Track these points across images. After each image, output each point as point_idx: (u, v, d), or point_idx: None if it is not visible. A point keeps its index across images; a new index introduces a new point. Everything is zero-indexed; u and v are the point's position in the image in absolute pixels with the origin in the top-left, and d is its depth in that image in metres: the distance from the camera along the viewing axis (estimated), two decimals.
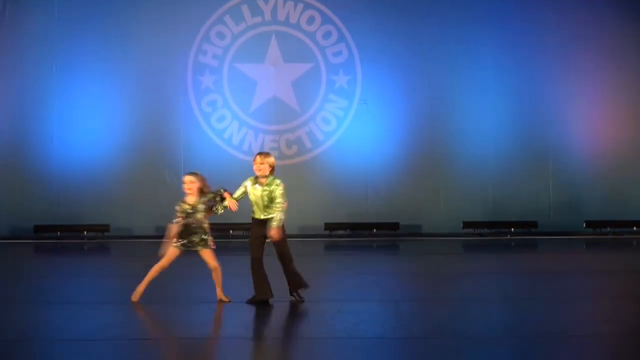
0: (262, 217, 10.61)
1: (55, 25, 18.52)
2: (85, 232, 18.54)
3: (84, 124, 18.56)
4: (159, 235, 18.00)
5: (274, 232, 10.52)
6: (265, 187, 10.58)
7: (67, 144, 18.54)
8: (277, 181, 10.64)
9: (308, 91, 18.75)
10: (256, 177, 10.64)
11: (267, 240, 10.74)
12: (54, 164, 18.50)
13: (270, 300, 10.82)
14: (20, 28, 18.55)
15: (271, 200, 10.56)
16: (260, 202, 10.59)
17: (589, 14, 18.95)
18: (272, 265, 10.90)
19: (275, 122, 18.75)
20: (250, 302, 10.66)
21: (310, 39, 18.75)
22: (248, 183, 10.70)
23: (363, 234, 18.79)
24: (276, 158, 18.25)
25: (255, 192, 10.61)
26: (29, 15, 18.56)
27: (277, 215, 10.53)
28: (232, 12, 18.69)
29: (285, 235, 10.75)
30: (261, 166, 10.60)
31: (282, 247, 10.70)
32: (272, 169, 10.68)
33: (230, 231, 18.70)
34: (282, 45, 18.69)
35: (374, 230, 18.79)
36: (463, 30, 18.75)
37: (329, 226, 18.70)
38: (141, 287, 10.77)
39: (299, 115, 18.73)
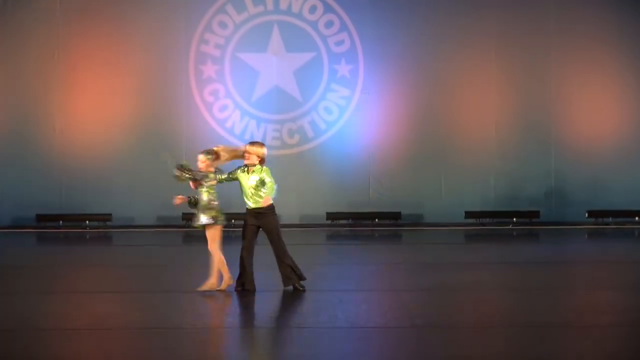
0: (252, 206, 10.75)
1: (58, 14, 18.51)
2: (87, 222, 18.62)
3: (87, 113, 18.58)
4: (161, 225, 18.39)
5: (265, 201, 10.70)
6: (254, 174, 10.71)
7: (69, 133, 18.57)
8: (264, 167, 10.79)
9: (310, 80, 18.74)
10: (246, 166, 10.79)
11: (259, 230, 10.86)
12: (56, 153, 18.54)
13: (272, 290, 10.87)
14: (23, 17, 18.53)
15: (261, 185, 10.69)
16: (247, 190, 10.76)
17: (594, 9, 18.93)
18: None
19: (278, 112, 18.76)
20: (236, 289, 10.80)
21: (312, 28, 18.74)
22: (239, 170, 10.86)
23: (365, 224, 18.83)
24: (278, 147, 18.77)
25: (243, 179, 10.80)
26: (31, 3, 18.55)
27: (268, 189, 10.70)
28: (234, 1, 18.69)
29: (278, 227, 10.85)
30: (250, 156, 10.77)
31: (274, 237, 10.79)
32: (261, 160, 10.81)
33: (232, 221, 18.68)
34: (284, 34, 18.68)
35: (376, 219, 18.82)
36: (465, 19, 18.73)
37: (331, 215, 18.73)
38: (225, 274, 10.77)
39: (301, 104, 18.76)
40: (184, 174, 10.89)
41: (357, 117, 18.76)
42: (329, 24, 18.72)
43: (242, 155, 10.88)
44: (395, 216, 18.77)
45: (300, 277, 10.83)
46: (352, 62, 18.74)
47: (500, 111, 18.89)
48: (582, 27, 18.90)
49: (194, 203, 10.88)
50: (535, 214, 18.81)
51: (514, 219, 18.84)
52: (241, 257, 10.80)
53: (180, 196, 10.95)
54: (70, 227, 18.48)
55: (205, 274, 12.07)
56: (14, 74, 18.58)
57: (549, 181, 18.93)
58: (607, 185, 18.84)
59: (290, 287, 10.81)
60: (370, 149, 18.74)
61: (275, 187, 10.78)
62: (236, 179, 10.85)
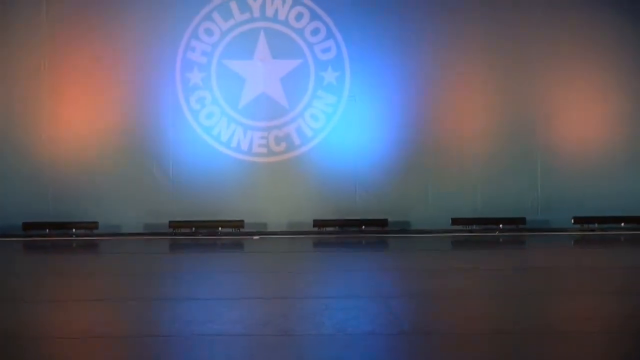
0: None
1: (44, 23, 18.47)
2: (74, 230, 18.53)
3: (74, 122, 18.54)
4: (148, 233, 18.44)
5: None
6: None
7: (56, 141, 18.50)
8: None
9: (297, 87, 18.73)
10: None
11: None
12: (43, 162, 18.47)
13: (259, 297, 10.92)
14: (9, 25, 18.49)
15: None
16: None
17: (579, 11, 18.95)
18: None
19: (264, 119, 18.73)
20: None
21: (298, 35, 18.74)
22: None
23: (352, 230, 18.82)
24: (265, 155, 18.90)
25: None
26: (18, 12, 18.48)
27: None
28: (220, 8, 18.66)
29: None
30: None
31: None
32: None
33: (219, 228, 18.80)
34: (270, 41, 18.67)
35: (363, 226, 18.80)
36: (452, 29, 18.77)
37: (318, 223, 18.71)
38: None
39: (288, 111, 18.74)
40: None
41: (344, 124, 18.77)
42: (316, 32, 18.75)
43: None
44: (382, 223, 18.77)
45: None
46: (339, 69, 18.77)
47: (486, 119, 18.92)
48: (568, 33, 18.93)
49: None
50: (522, 220, 18.83)
51: (500, 226, 18.87)
52: None
53: None
54: (57, 235, 18.42)
55: (192, 281, 12.12)
56: (0, 83, 18.53)
57: (535, 188, 18.96)
58: (593, 191, 18.85)
59: None
60: (357, 156, 18.74)
61: None
62: None
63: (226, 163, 18.53)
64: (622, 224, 18.92)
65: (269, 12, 18.71)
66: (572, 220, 18.80)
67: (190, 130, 18.65)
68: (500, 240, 18.16)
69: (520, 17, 18.89)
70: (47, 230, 18.51)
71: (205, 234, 18.54)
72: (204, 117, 18.70)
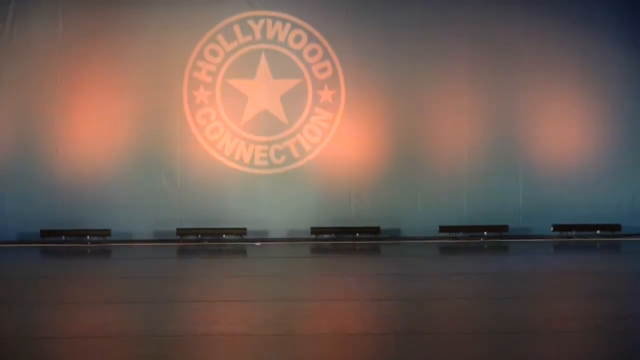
0: None
1: (60, 42, 19.05)
2: (88, 237, 19.05)
3: (88, 136, 19.11)
4: (157, 239, 18.93)
5: None
6: None
7: (71, 154, 19.09)
8: None
9: (295, 105, 19.29)
10: None
11: None
12: (58, 173, 19.07)
13: (260, 300, 11.51)
14: (27, 43, 19.03)
15: None
16: None
17: (560, 28, 19.45)
18: None
19: (265, 134, 19.31)
20: None
21: (297, 56, 19.33)
22: None
23: (346, 238, 19.28)
24: (266, 167, 19.41)
25: None
26: (35, 31, 19.04)
27: None
28: (224, 31, 19.27)
29: None
30: None
31: None
32: None
33: (223, 235, 19.21)
34: (271, 62, 19.28)
35: (357, 234, 19.30)
36: (440, 48, 19.33)
37: (315, 230, 19.24)
38: None
39: (287, 127, 19.32)
40: None
41: (339, 139, 19.33)
42: (313, 53, 19.35)
43: None
44: (374, 230, 19.28)
45: None
46: (334, 88, 19.33)
47: (471, 134, 19.42)
48: (550, 50, 19.42)
49: None
50: (505, 228, 19.34)
51: (485, 233, 19.39)
52: None
53: None
54: (72, 242, 18.90)
55: (198, 285, 12.66)
56: (18, 98, 19.07)
57: (517, 198, 19.45)
58: (571, 201, 19.34)
59: None
60: (351, 169, 19.31)
61: None
62: None
63: (230, 175, 19.17)
64: (598, 231, 19.45)
65: (270, 34, 19.34)
66: (552, 228, 19.34)
67: (197, 145, 19.26)
68: (485, 246, 18.63)
69: (503, 36, 19.42)
70: (63, 237, 19.08)
71: (210, 241, 19.04)
72: (209, 132, 19.30)
